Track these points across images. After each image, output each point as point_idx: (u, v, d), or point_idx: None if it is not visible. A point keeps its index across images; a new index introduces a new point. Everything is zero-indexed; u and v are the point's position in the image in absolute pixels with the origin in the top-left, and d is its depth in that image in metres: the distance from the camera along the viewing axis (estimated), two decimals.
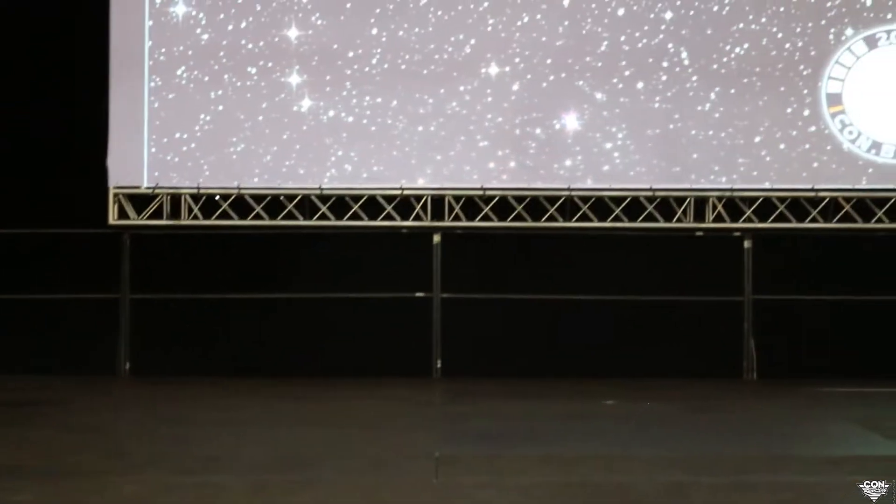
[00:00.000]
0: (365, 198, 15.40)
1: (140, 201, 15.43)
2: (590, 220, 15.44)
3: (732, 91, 15.25)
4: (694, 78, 15.27)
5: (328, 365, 15.35)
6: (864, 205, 15.43)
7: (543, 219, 15.46)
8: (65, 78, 15.38)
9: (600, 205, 15.43)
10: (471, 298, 15.39)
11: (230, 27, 15.27)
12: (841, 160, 15.30)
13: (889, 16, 15.25)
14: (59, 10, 15.40)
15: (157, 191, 15.34)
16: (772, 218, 15.45)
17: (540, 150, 15.30)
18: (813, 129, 15.30)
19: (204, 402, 13.82)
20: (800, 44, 15.25)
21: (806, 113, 15.30)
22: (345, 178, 15.32)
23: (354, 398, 14.03)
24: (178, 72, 15.26)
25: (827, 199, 15.38)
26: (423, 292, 15.47)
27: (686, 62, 15.26)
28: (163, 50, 15.26)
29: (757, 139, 15.27)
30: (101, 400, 13.99)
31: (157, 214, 15.44)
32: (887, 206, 15.42)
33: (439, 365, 15.49)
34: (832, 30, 15.26)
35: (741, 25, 15.24)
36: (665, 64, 15.27)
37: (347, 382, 14.91)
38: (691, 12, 15.25)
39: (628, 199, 15.38)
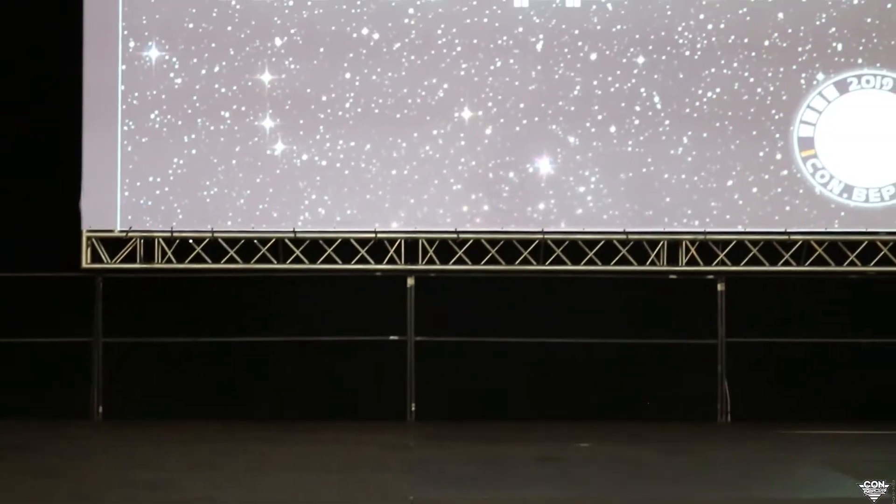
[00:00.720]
0: (338, 241, 15.40)
1: (113, 245, 15.38)
2: (563, 263, 15.46)
3: (705, 135, 15.32)
4: (666, 122, 15.34)
5: (302, 408, 15.30)
6: (837, 248, 15.50)
7: (517, 262, 15.47)
8: (39, 122, 15.37)
9: (574, 248, 15.46)
10: (445, 342, 15.37)
11: (203, 71, 15.28)
12: (813, 204, 15.37)
13: (860, 60, 15.35)
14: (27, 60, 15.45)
15: (130, 234, 15.30)
16: (745, 261, 15.49)
17: (513, 194, 15.33)
18: (785, 172, 15.37)
19: (179, 447, 13.73)
20: (771, 88, 15.34)
21: (778, 157, 15.38)
22: (318, 221, 15.31)
23: (329, 441, 13.98)
24: (152, 115, 15.26)
25: (800, 243, 15.44)
26: (396, 336, 15.44)
27: (658, 106, 15.33)
28: (136, 94, 15.26)
29: (729, 183, 15.33)
30: (73, 444, 13.87)
31: (131, 258, 15.40)
32: (859, 249, 15.48)
33: (413, 408, 15.45)
34: (803, 74, 15.36)
35: (713, 70, 15.33)
36: (637, 108, 15.34)
37: (322, 426, 14.85)
38: (663, 57, 15.34)
39: (602, 243, 15.41)
